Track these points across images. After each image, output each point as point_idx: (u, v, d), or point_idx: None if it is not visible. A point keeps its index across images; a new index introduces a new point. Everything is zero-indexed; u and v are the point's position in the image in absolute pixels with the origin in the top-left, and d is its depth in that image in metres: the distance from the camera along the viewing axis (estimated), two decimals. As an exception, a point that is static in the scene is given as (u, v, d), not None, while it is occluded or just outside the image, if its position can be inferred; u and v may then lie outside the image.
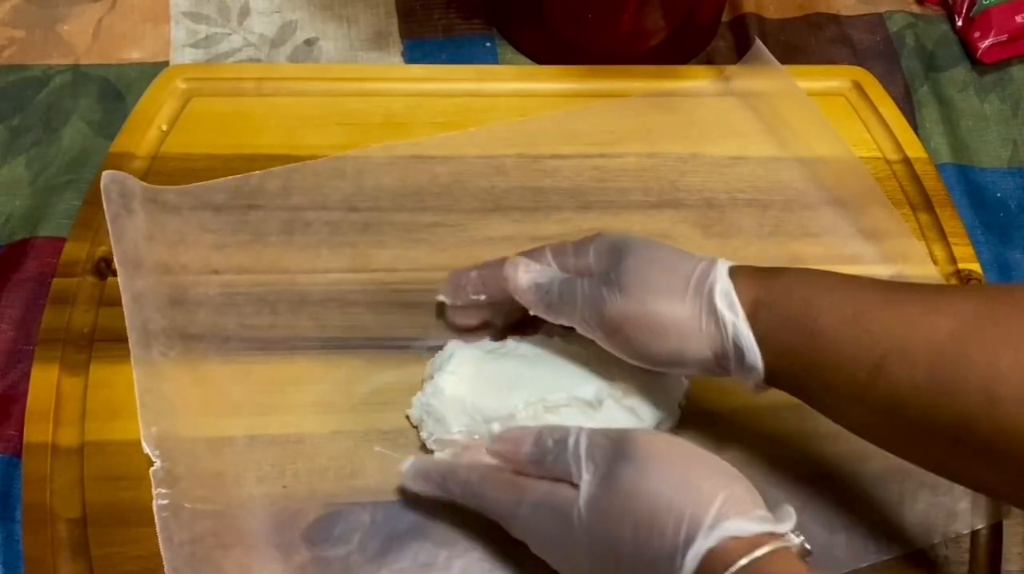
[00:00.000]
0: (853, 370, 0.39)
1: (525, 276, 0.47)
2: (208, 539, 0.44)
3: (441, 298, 0.51)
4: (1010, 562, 0.48)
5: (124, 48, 0.64)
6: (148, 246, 0.52)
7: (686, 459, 0.39)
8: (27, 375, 0.48)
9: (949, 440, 0.38)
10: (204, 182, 0.55)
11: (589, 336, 0.46)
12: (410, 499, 0.46)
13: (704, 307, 0.42)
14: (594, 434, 0.41)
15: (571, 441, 0.41)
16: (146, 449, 0.45)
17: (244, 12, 0.66)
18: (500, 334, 0.51)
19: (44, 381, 0.48)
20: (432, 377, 0.48)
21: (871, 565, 0.47)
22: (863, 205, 0.58)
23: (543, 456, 0.42)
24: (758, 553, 0.36)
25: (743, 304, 0.42)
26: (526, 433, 0.43)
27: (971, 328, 0.37)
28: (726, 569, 0.35)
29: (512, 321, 0.51)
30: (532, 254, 0.48)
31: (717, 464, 0.40)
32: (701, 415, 0.49)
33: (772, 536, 0.37)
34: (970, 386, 0.37)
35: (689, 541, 0.36)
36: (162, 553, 0.42)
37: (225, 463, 0.46)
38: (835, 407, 0.42)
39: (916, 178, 0.61)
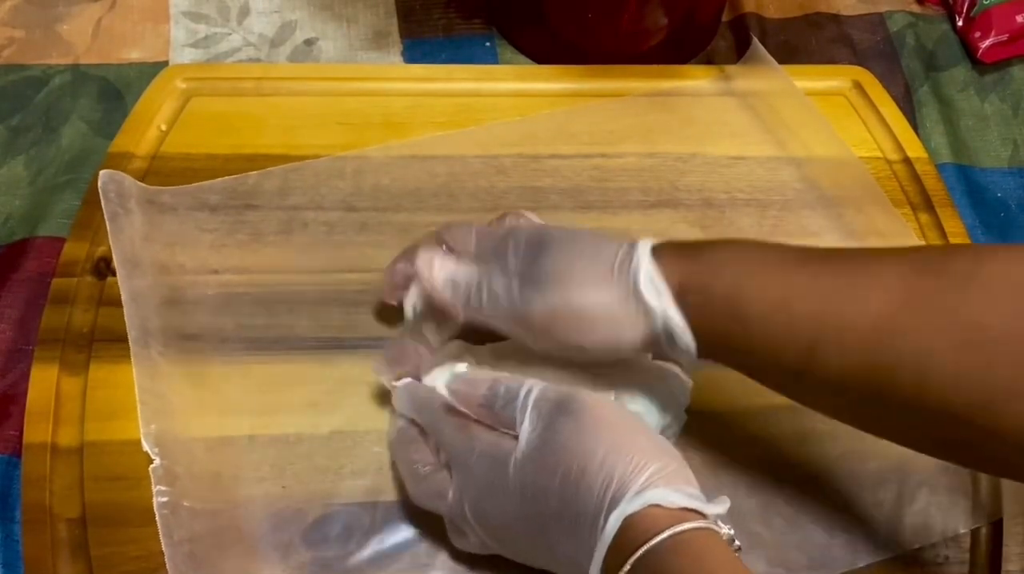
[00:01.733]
0: (786, 355, 0.39)
1: (440, 272, 0.45)
2: (207, 538, 0.44)
3: (381, 378, 0.47)
4: (1010, 562, 0.47)
5: (124, 48, 0.64)
6: (145, 246, 0.52)
7: (627, 427, 0.39)
8: (27, 375, 0.48)
9: (892, 416, 0.38)
10: (201, 183, 0.55)
11: (512, 337, 0.45)
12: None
13: (631, 294, 0.41)
14: (545, 389, 0.41)
15: (522, 392, 0.41)
16: (145, 447, 0.45)
17: (244, 12, 0.66)
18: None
19: (44, 381, 0.48)
20: (433, 376, 0.48)
21: (870, 565, 0.47)
22: (862, 205, 0.58)
23: (493, 401, 0.41)
24: (682, 527, 0.35)
25: (670, 286, 0.41)
26: (483, 379, 0.43)
27: (901, 311, 0.37)
28: (648, 538, 0.35)
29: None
30: (454, 231, 0.46)
31: (657, 439, 0.40)
32: (700, 416, 0.49)
33: (699, 515, 0.36)
34: (903, 370, 0.36)
35: (614, 503, 0.36)
36: (164, 550, 0.42)
37: (224, 463, 0.46)
38: (775, 382, 0.42)
39: (916, 178, 0.61)
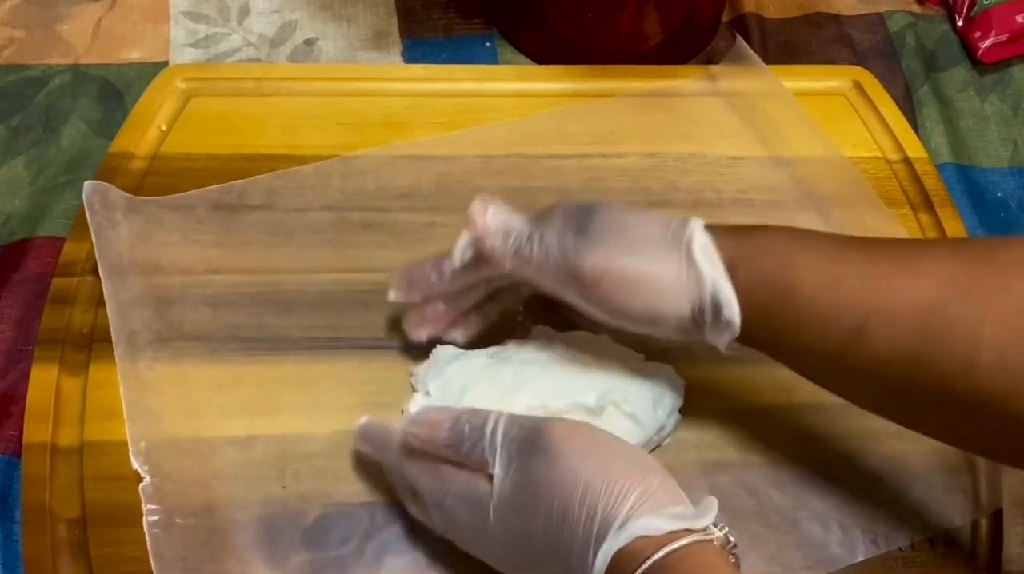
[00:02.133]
0: (833, 333, 0.39)
1: (495, 218, 0.44)
2: (199, 555, 0.43)
3: (392, 296, 0.48)
4: (1011, 563, 0.48)
5: (123, 48, 0.64)
6: (133, 256, 0.51)
7: (601, 453, 0.38)
8: (27, 375, 0.48)
9: (930, 402, 0.38)
10: (187, 192, 0.54)
11: (556, 294, 0.44)
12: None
13: (683, 260, 0.41)
14: (511, 423, 0.40)
15: (488, 429, 0.40)
16: (135, 465, 0.45)
17: (244, 12, 0.66)
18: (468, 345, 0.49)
19: (44, 381, 0.48)
20: (429, 379, 0.48)
21: (867, 560, 0.47)
22: (853, 204, 0.58)
23: (460, 443, 0.40)
24: (667, 549, 0.35)
25: (721, 259, 0.41)
26: (444, 416, 0.41)
27: (952, 294, 0.37)
28: (637, 567, 0.35)
29: (478, 331, 0.49)
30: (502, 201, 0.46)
31: (634, 457, 0.39)
32: (696, 416, 0.49)
33: (688, 532, 0.36)
34: (951, 353, 0.36)
35: (600, 540, 0.36)
36: (153, 570, 0.42)
37: (221, 466, 0.46)
38: (813, 367, 0.42)
39: (916, 178, 0.61)
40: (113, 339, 0.48)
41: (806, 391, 0.47)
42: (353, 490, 0.46)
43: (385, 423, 0.44)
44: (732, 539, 0.37)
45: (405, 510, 0.45)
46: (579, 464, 0.38)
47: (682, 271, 0.41)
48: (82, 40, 0.64)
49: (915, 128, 0.64)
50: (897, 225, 0.57)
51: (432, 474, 0.41)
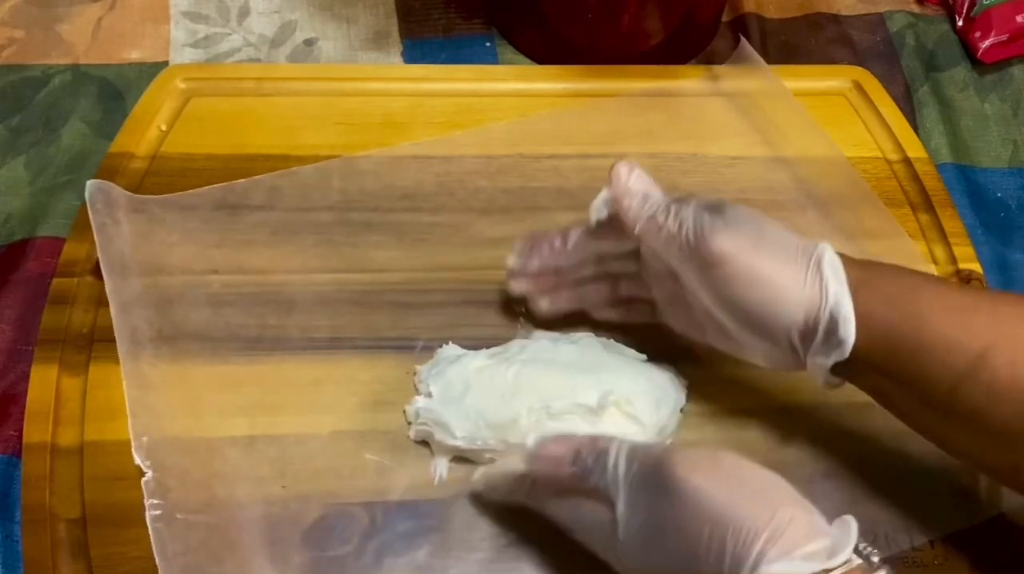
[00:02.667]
0: (954, 359, 0.39)
1: (637, 181, 0.45)
2: (202, 550, 0.43)
3: (511, 261, 0.49)
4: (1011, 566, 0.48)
5: (124, 48, 0.64)
6: (135, 255, 0.51)
7: (726, 488, 0.36)
8: (27, 375, 0.48)
9: None
10: (189, 191, 0.54)
11: (676, 268, 0.44)
12: (409, 500, 0.46)
13: (810, 269, 0.41)
14: (632, 456, 0.39)
15: (610, 462, 0.39)
16: (137, 460, 0.45)
17: (244, 12, 0.66)
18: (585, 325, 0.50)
19: (43, 381, 0.48)
20: (431, 379, 0.48)
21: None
22: (853, 204, 0.58)
23: (585, 476, 0.40)
24: None
25: (847, 280, 0.41)
26: (564, 449, 0.41)
27: None
28: None
29: (564, 309, 0.50)
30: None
31: (763, 487, 0.37)
32: (700, 418, 0.49)
33: (824, 572, 0.34)
34: None
35: None
36: (158, 565, 0.42)
37: (222, 465, 0.46)
38: (919, 403, 0.41)
39: (916, 178, 0.61)
40: (116, 336, 0.48)
41: (808, 392, 0.47)
42: (353, 490, 0.46)
43: (503, 468, 0.45)
44: (875, 560, 0.36)
45: (405, 510, 0.45)
46: (704, 504, 0.36)
47: (806, 279, 0.41)
48: (82, 40, 0.64)
49: (915, 128, 0.65)
50: (895, 225, 0.57)
51: (561, 506, 0.42)
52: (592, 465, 0.40)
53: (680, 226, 0.43)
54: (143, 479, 0.44)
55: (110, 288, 0.49)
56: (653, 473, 0.38)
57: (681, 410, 0.49)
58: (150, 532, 0.43)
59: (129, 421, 0.46)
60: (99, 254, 0.50)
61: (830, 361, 0.41)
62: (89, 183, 0.52)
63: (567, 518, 0.42)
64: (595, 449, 0.40)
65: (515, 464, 0.43)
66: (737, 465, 0.38)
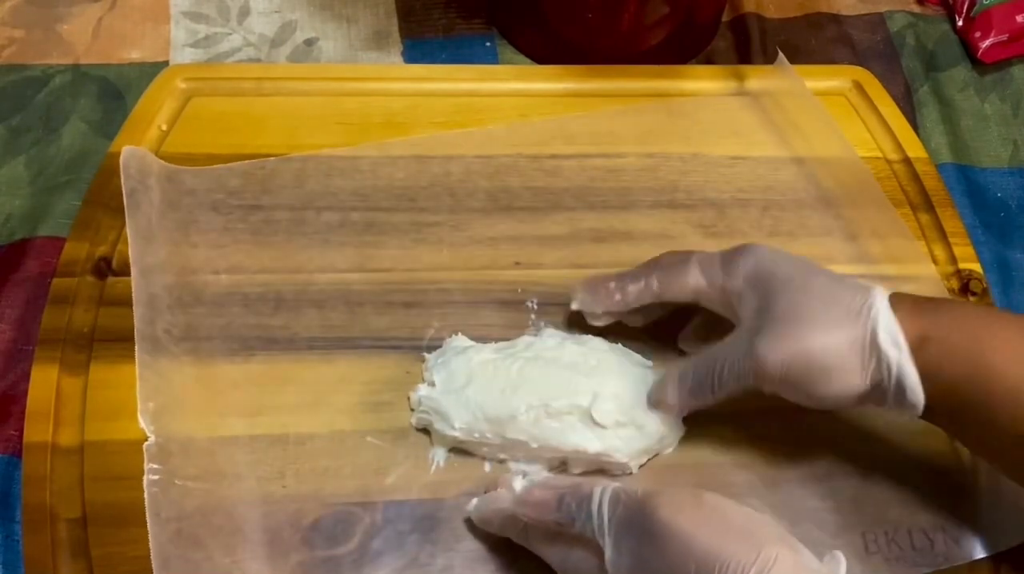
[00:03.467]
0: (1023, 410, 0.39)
1: (679, 377, 0.46)
2: (196, 516, 0.44)
3: (575, 306, 0.50)
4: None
5: (124, 48, 0.64)
6: (160, 222, 0.52)
7: (710, 529, 0.37)
8: (27, 375, 0.48)
9: None
10: (220, 165, 0.55)
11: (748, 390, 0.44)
12: (410, 500, 0.46)
13: (867, 343, 0.41)
14: (615, 500, 0.39)
15: (594, 508, 0.40)
16: (142, 423, 0.45)
17: (244, 12, 0.66)
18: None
19: (44, 381, 0.48)
20: (436, 369, 0.48)
21: (867, 561, 0.46)
22: (861, 205, 0.58)
23: (570, 522, 0.40)
24: None
25: (907, 337, 0.41)
26: (549, 496, 0.41)
27: None
28: None
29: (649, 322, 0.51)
30: (673, 261, 0.48)
31: (748, 526, 0.37)
32: (701, 423, 0.49)
33: None
34: None
35: None
36: (149, 529, 0.42)
37: (221, 464, 0.46)
38: (995, 447, 0.41)
39: (916, 178, 0.61)
40: (134, 300, 0.49)
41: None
42: (353, 490, 0.46)
43: (496, 504, 0.44)
44: None
45: (405, 510, 0.46)
46: (689, 544, 0.36)
47: (866, 356, 0.41)
48: (82, 40, 0.64)
49: (915, 128, 0.64)
50: (903, 226, 0.57)
51: (551, 550, 0.42)
52: (576, 510, 0.40)
53: (730, 377, 0.44)
54: (145, 444, 0.45)
55: (134, 254, 0.50)
56: (637, 516, 0.38)
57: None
58: (145, 497, 0.43)
59: (138, 384, 0.47)
60: (127, 218, 0.51)
61: (905, 418, 0.42)
62: (125, 149, 0.53)
63: (558, 562, 0.42)
64: (578, 494, 0.41)
65: (507, 501, 0.44)
66: (720, 505, 0.38)
